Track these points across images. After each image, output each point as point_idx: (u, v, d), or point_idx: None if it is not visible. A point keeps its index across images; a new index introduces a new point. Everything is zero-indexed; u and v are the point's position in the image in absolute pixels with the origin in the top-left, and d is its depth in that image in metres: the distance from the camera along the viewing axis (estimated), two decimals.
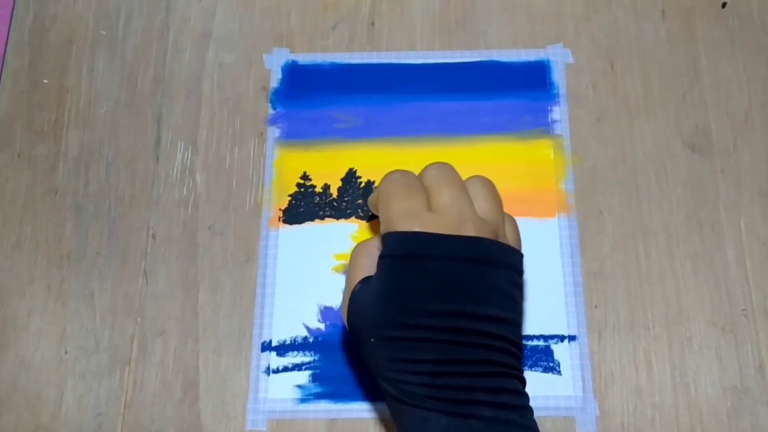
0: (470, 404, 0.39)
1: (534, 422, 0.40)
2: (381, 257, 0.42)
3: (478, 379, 0.39)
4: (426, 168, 0.45)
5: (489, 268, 0.41)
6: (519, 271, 0.43)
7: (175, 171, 0.55)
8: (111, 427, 0.49)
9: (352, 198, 0.54)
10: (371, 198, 0.49)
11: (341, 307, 0.45)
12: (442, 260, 0.40)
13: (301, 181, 0.55)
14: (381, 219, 0.44)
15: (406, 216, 0.42)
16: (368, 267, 0.44)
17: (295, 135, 0.56)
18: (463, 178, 0.52)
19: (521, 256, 0.43)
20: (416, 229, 0.41)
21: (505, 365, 0.40)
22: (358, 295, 0.43)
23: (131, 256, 0.53)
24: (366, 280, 0.43)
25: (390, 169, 0.54)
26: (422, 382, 0.39)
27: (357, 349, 0.44)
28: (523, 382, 0.41)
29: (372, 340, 0.41)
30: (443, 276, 0.40)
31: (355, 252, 0.46)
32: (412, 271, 0.40)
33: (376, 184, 0.54)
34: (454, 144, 0.55)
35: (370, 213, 0.53)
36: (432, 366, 0.39)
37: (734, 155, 0.54)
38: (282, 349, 0.51)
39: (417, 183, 0.44)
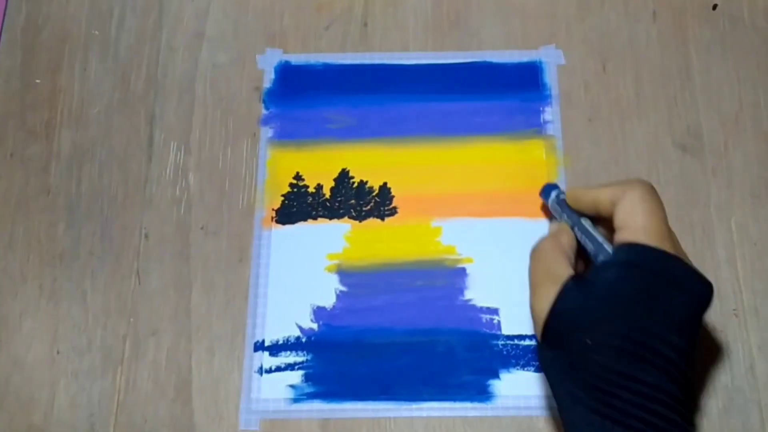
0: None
1: None
2: (621, 264, 0.41)
3: (682, 418, 0.38)
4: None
5: (702, 310, 0.41)
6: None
7: (168, 171, 0.55)
8: (103, 427, 0.49)
9: (345, 198, 0.54)
10: (585, 193, 0.46)
11: (531, 301, 0.43)
12: (686, 292, 0.40)
13: (294, 181, 0.55)
14: (622, 225, 0.42)
15: (664, 236, 0.41)
16: (567, 265, 0.43)
17: (288, 135, 0.56)
18: (457, 179, 0.52)
19: None
20: (671, 251, 0.41)
21: (686, 409, 0.39)
22: (573, 292, 0.41)
23: (124, 256, 0.53)
24: (577, 279, 0.42)
25: (382, 170, 0.55)
26: (638, 402, 0.38)
27: (547, 343, 0.42)
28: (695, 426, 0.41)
29: (588, 341, 0.39)
30: (683, 308, 0.40)
31: (548, 247, 0.45)
32: (659, 291, 0.40)
33: (369, 185, 0.54)
34: (446, 144, 0.55)
35: (365, 211, 0.54)
36: (655, 392, 0.38)
37: (725, 156, 0.54)
38: (275, 349, 0.51)
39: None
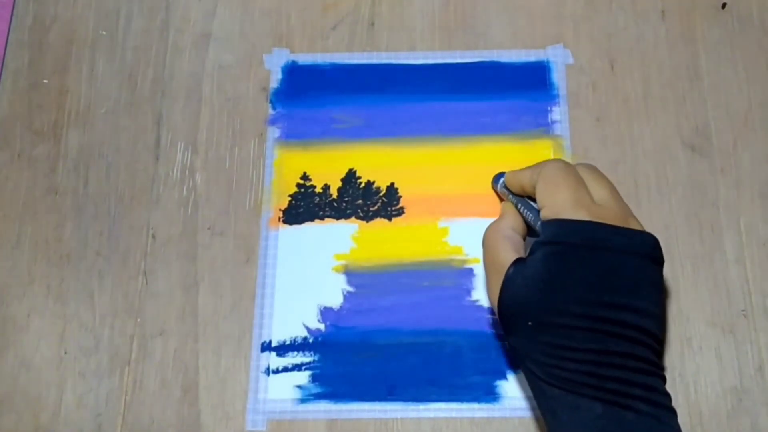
0: (628, 397, 0.39)
1: (680, 428, 0.40)
2: (543, 243, 0.42)
3: (635, 374, 0.40)
4: (576, 165, 0.46)
5: (647, 263, 0.42)
6: (662, 264, 0.43)
7: (175, 171, 0.55)
8: (110, 427, 0.49)
9: (352, 198, 0.54)
10: (513, 176, 0.48)
11: (487, 291, 0.45)
12: (612, 252, 0.41)
13: (301, 182, 0.55)
14: (543, 204, 0.44)
15: (575, 205, 0.42)
16: (510, 249, 0.44)
17: (295, 135, 0.56)
18: (464, 179, 0.52)
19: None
20: (585, 218, 0.42)
21: (653, 363, 0.41)
22: (514, 279, 0.43)
23: (131, 256, 0.53)
24: (518, 264, 0.43)
25: (390, 170, 0.54)
26: (581, 369, 0.39)
27: (506, 331, 0.43)
28: (665, 381, 0.42)
29: (530, 323, 0.41)
30: (611, 267, 0.41)
31: (491, 234, 0.46)
32: (580, 260, 0.41)
33: (376, 185, 0.54)
34: (453, 144, 0.55)
35: (372, 211, 0.53)
36: (594, 355, 0.39)
37: (734, 156, 0.54)
38: (282, 349, 0.51)
39: (579, 174, 0.45)
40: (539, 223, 0.44)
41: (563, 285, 0.41)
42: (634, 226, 0.43)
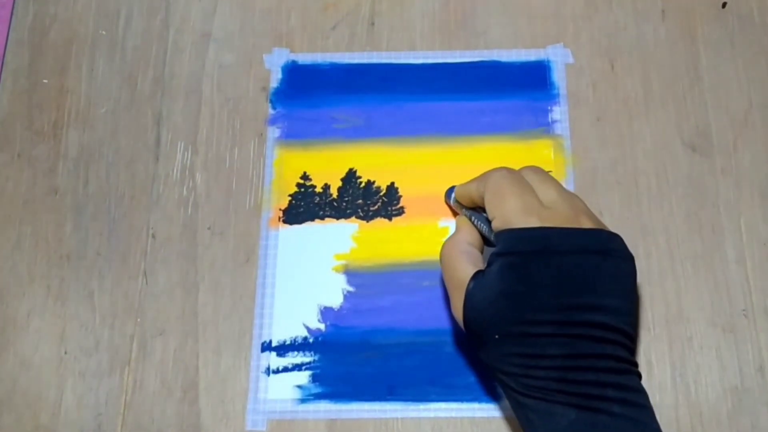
0: (600, 399, 0.39)
1: (657, 423, 0.40)
2: (497, 254, 0.42)
3: (606, 374, 0.39)
4: (521, 169, 0.46)
5: (608, 259, 0.42)
6: (632, 258, 0.43)
7: (175, 171, 0.55)
8: (111, 427, 0.49)
9: (353, 198, 0.54)
10: (462, 189, 0.48)
11: (451, 308, 0.45)
12: (566, 254, 0.41)
13: (301, 181, 0.55)
14: (493, 215, 0.44)
15: (524, 212, 0.42)
16: (468, 263, 0.44)
17: (295, 135, 0.56)
18: (464, 179, 0.52)
19: (623, 241, 0.44)
20: (535, 224, 0.42)
21: (626, 360, 0.41)
22: (475, 294, 0.42)
23: (131, 256, 0.53)
24: (477, 277, 0.43)
25: (390, 169, 0.54)
26: (551, 376, 0.39)
27: (474, 345, 0.44)
28: (640, 377, 0.42)
29: (496, 336, 0.41)
30: (567, 270, 0.41)
31: (448, 251, 0.46)
32: (536, 267, 0.41)
33: (376, 184, 0.54)
34: (454, 144, 0.55)
35: (372, 210, 0.53)
36: (562, 360, 0.39)
37: (734, 155, 0.54)
38: (282, 349, 0.51)
39: (525, 179, 0.44)
40: (493, 234, 0.44)
41: (523, 294, 0.41)
42: (585, 224, 0.43)
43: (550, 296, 0.40)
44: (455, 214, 0.52)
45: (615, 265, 0.42)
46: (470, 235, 0.47)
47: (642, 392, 0.41)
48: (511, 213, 0.42)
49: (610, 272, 0.41)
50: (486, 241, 0.47)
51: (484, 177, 0.46)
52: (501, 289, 0.41)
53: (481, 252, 0.46)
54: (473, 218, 0.47)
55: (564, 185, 0.53)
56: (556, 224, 0.42)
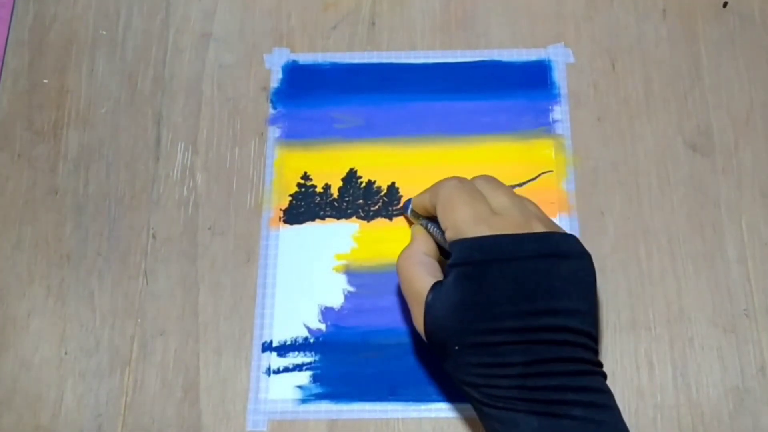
0: (561, 404, 0.39)
1: (623, 423, 0.40)
2: (452, 265, 0.42)
3: (568, 378, 0.39)
4: (473, 179, 0.46)
5: (562, 261, 0.41)
6: (588, 256, 0.43)
7: (175, 171, 0.55)
8: (111, 428, 0.49)
9: (353, 198, 0.54)
10: (417, 200, 0.49)
11: (413, 320, 0.45)
12: (519, 260, 0.41)
13: (302, 181, 0.55)
14: (445, 226, 0.44)
15: (475, 221, 0.42)
16: (425, 274, 0.44)
17: (295, 135, 0.56)
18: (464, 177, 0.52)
19: (578, 240, 0.44)
20: (486, 233, 0.42)
21: (589, 362, 0.40)
22: (434, 306, 0.42)
23: (131, 256, 0.53)
24: (435, 289, 0.43)
25: (391, 169, 0.54)
26: (512, 384, 0.39)
27: (436, 357, 0.44)
28: (605, 377, 0.41)
29: (456, 348, 0.41)
30: (521, 276, 0.41)
31: (404, 263, 0.46)
32: (489, 277, 0.41)
33: (377, 184, 0.54)
34: (454, 144, 0.55)
35: (373, 210, 0.53)
36: (522, 368, 0.39)
37: (735, 155, 0.54)
38: (282, 349, 0.51)
39: (476, 188, 0.45)
40: (445, 247, 0.45)
41: (479, 304, 0.40)
42: (537, 228, 0.42)
43: (506, 303, 0.40)
44: (410, 223, 0.52)
45: (569, 267, 0.42)
46: (425, 245, 0.47)
47: (606, 392, 0.40)
48: (462, 222, 0.43)
49: (565, 274, 0.41)
50: (442, 251, 0.47)
51: (435, 188, 0.46)
52: (458, 299, 0.41)
53: (438, 261, 0.46)
54: (429, 227, 0.48)
55: (565, 185, 0.53)
56: (507, 231, 0.42)
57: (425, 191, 0.48)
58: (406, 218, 0.53)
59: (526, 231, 0.42)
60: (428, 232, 0.48)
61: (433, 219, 0.48)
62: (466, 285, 0.41)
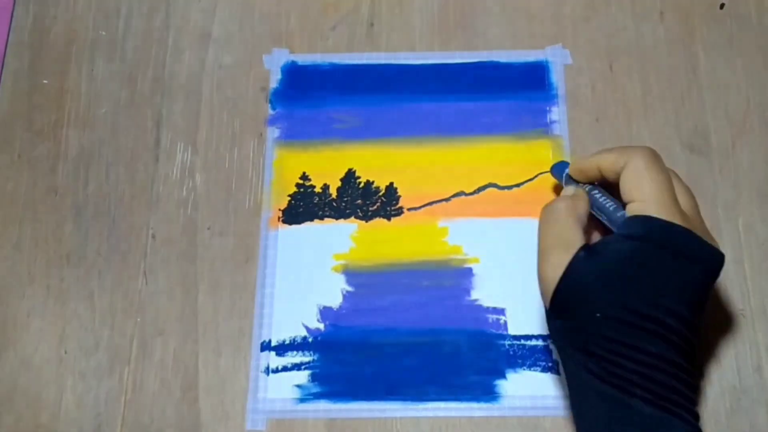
0: (677, 405, 0.39)
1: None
2: (630, 237, 0.41)
3: (682, 384, 0.39)
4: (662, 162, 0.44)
5: (712, 281, 0.41)
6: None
7: (174, 171, 0.55)
8: (110, 427, 0.49)
9: (352, 198, 0.54)
10: (589, 160, 0.46)
11: (539, 267, 0.43)
12: (695, 263, 0.40)
13: (301, 182, 0.55)
14: (633, 196, 0.42)
15: (671, 208, 0.41)
16: (579, 231, 0.42)
17: (294, 135, 0.56)
18: (463, 179, 0.52)
19: None
20: (678, 223, 0.41)
21: (692, 376, 0.40)
22: (585, 264, 0.41)
23: (131, 256, 0.53)
24: (591, 250, 0.41)
25: (389, 170, 0.54)
26: (638, 370, 0.39)
27: (552, 311, 0.42)
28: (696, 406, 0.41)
29: (598, 315, 0.40)
30: (688, 279, 0.40)
31: (563, 210, 0.43)
32: (664, 264, 0.40)
33: (375, 185, 0.54)
34: (453, 144, 0.55)
35: (372, 211, 0.54)
36: (655, 360, 0.39)
37: (733, 156, 0.54)
38: (281, 349, 0.51)
39: (669, 173, 0.43)
40: (618, 214, 0.43)
41: (642, 285, 0.40)
42: (712, 242, 0.42)
43: (667, 297, 0.40)
44: (559, 190, 0.50)
45: (711, 288, 0.42)
46: (586, 208, 0.45)
47: (696, 414, 0.40)
48: (659, 204, 0.41)
49: (709, 295, 0.42)
50: (598, 221, 0.45)
51: (625, 151, 0.43)
52: (623, 271, 0.40)
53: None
54: (597, 193, 0.45)
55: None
56: (695, 231, 0.41)
57: (607, 151, 0.45)
58: (556, 179, 0.50)
59: (706, 239, 0.41)
60: (594, 198, 0.45)
61: (592, 184, 0.46)
62: (639, 261, 0.40)
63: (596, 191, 0.45)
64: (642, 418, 0.38)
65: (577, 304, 0.41)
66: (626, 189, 0.43)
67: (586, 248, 0.41)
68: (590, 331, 0.40)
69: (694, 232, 0.41)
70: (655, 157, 0.43)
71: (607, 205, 0.44)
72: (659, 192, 0.41)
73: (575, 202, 0.44)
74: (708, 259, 0.41)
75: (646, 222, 0.41)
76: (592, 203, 0.45)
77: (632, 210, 0.42)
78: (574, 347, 0.41)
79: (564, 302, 0.41)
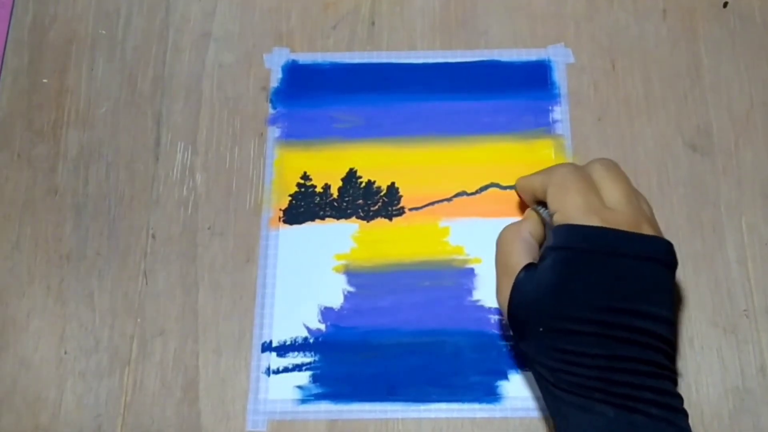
0: (639, 401, 0.39)
1: (689, 428, 0.40)
2: (553, 248, 0.42)
3: (645, 378, 0.40)
4: (591, 163, 0.46)
5: (660, 268, 0.42)
6: (675, 268, 0.43)
7: (174, 171, 0.55)
8: (110, 428, 0.49)
9: (353, 198, 0.54)
10: (525, 182, 0.48)
11: (496, 294, 0.45)
12: (622, 257, 0.41)
13: (302, 181, 0.55)
14: (554, 209, 0.44)
15: (587, 210, 0.42)
16: (523, 252, 0.44)
17: (295, 135, 0.56)
18: (464, 179, 0.52)
19: (674, 250, 0.44)
20: (596, 224, 0.41)
21: (665, 367, 0.41)
22: (524, 284, 0.43)
23: (131, 256, 0.53)
24: (529, 269, 0.43)
25: (390, 169, 0.54)
26: (592, 375, 0.40)
27: (515, 335, 0.44)
28: (677, 383, 0.42)
29: (541, 329, 0.41)
30: (620, 273, 0.41)
31: (507, 235, 0.46)
32: (591, 267, 0.41)
33: (376, 184, 0.54)
34: (454, 144, 0.55)
35: (373, 211, 0.53)
36: (605, 361, 0.40)
37: (735, 155, 0.54)
38: (282, 349, 0.51)
39: (591, 177, 0.44)
40: (548, 231, 0.44)
41: (573, 291, 0.41)
42: (647, 230, 0.42)
43: (601, 297, 0.40)
44: (522, 202, 0.51)
45: (665, 275, 0.42)
46: (534, 227, 0.46)
47: (678, 397, 0.41)
48: (574, 209, 0.42)
49: (659, 281, 0.42)
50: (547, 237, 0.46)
51: (548, 171, 0.46)
52: (553, 282, 0.41)
53: (540, 246, 0.46)
54: (542, 212, 0.47)
55: None
56: (617, 226, 0.42)
57: (537, 173, 0.47)
58: (520, 198, 0.51)
59: (634, 230, 0.42)
60: (540, 216, 0.47)
61: (542, 204, 0.47)
62: (565, 270, 0.41)
63: (543, 211, 0.47)
64: (608, 421, 0.39)
65: (524, 323, 0.42)
66: (550, 204, 0.44)
67: (527, 267, 0.43)
68: (542, 345, 0.41)
69: (617, 229, 0.41)
70: (573, 168, 0.45)
71: (546, 223, 0.46)
72: (575, 199, 0.43)
73: (520, 225, 0.47)
74: (640, 249, 0.41)
75: (569, 230, 0.42)
76: (545, 221, 0.47)
77: (555, 221, 0.43)
78: (537, 364, 0.42)
79: (517, 324, 0.43)
